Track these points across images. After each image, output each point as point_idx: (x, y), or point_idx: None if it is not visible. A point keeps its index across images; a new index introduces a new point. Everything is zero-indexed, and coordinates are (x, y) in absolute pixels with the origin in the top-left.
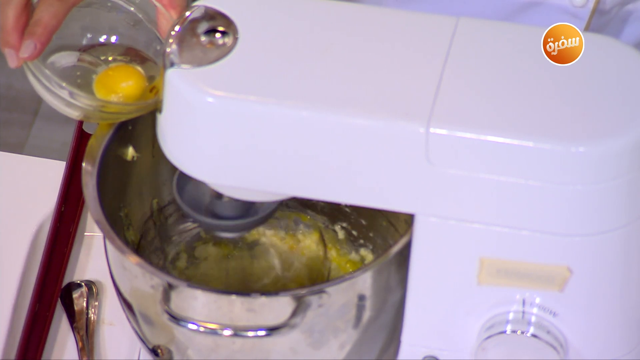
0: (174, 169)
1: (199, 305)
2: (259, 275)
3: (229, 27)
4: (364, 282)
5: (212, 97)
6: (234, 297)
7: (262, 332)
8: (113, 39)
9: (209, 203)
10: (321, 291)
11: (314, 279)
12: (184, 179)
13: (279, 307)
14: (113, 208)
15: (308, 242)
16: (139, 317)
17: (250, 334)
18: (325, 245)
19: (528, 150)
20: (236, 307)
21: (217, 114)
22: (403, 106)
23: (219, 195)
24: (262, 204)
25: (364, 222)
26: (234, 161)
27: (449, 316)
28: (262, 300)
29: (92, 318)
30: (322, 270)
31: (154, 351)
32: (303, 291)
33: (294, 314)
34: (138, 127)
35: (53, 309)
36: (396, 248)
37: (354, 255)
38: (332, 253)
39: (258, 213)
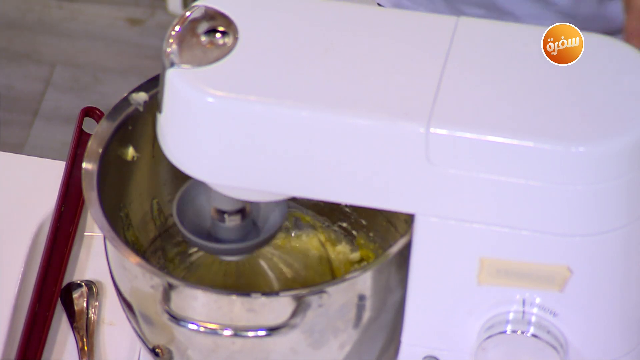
0: (174, 169)
1: (199, 305)
2: (259, 275)
3: (229, 27)
4: (364, 282)
5: (212, 97)
6: (234, 297)
7: (262, 332)
8: None
9: (210, 226)
10: (321, 291)
11: (314, 279)
12: (185, 204)
13: (279, 307)
14: (113, 208)
15: (308, 243)
16: (139, 317)
17: (250, 334)
18: (325, 246)
19: (528, 150)
20: (236, 307)
21: (217, 114)
22: (403, 106)
23: (220, 219)
24: (264, 223)
25: (364, 222)
26: (234, 161)
27: (449, 316)
28: (262, 300)
29: (92, 318)
30: (322, 271)
31: (154, 351)
32: (303, 291)
33: (294, 314)
34: (138, 127)
35: (53, 309)
36: (396, 248)
37: (354, 255)
38: (332, 253)
39: (260, 235)
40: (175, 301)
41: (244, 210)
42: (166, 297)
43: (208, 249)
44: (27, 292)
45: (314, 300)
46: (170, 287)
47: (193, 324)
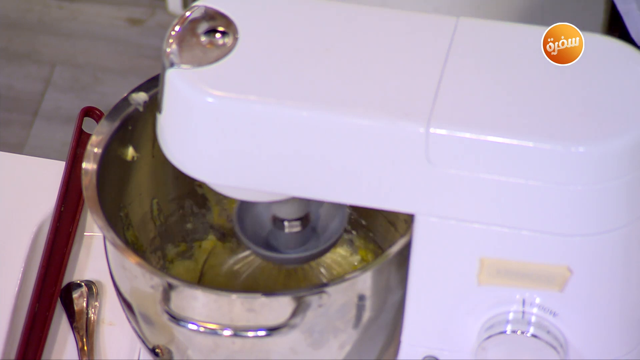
0: (174, 169)
1: (199, 305)
2: (259, 275)
3: (229, 27)
4: (364, 282)
5: (212, 97)
6: (234, 297)
7: (262, 332)
8: None
9: (269, 234)
10: (321, 291)
11: (313, 279)
12: (244, 211)
13: (279, 307)
14: (113, 208)
15: None
16: (139, 317)
17: (250, 334)
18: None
19: (528, 150)
20: (236, 307)
21: (217, 114)
22: (403, 106)
23: (279, 227)
24: (324, 231)
25: (364, 222)
26: (234, 161)
27: (449, 316)
28: (262, 300)
29: (92, 318)
30: (322, 271)
31: (154, 351)
32: (303, 291)
33: (294, 314)
34: (138, 127)
35: (53, 309)
36: (396, 248)
37: (353, 256)
38: (332, 253)
39: (320, 242)
40: (175, 301)
41: (304, 218)
42: (166, 297)
43: (268, 258)
44: (27, 292)
45: (314, 300)
46: (170, 287)
47: (193, 324)
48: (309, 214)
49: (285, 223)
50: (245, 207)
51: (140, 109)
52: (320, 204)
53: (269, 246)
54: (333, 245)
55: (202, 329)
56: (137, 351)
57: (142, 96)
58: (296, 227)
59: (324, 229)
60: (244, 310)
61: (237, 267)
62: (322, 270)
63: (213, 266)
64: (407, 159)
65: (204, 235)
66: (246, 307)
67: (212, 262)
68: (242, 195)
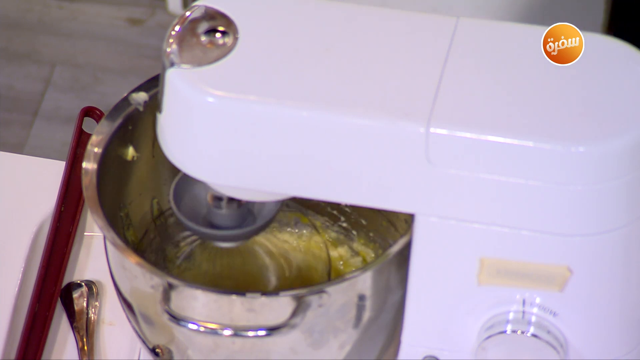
0: (174, 169)
1: (199, 305)
2: (259, 275)
3: (229, 27)
4: (364, 282)
5: (212, 97)
6: (234, 297)
7: (262, 332)
8: None
9: (207, 213)
10: (321, 291)
11: (314, 279)
12: (181, 189)
13: (279, 307)
14: (113, 208)
15: (308, 243)
16: (139, 317)
17: (250, 334)
18: (325, 246)
19: (528, 150)
20: (236, 307)
21: (217, 114)
22: (403, 106)
23: (216, 205)
24: (260, 211)
25: (364, 222)
26: (233, 161)
27: (449, 316)
28: (262, 300)
29: (92, 318)
30: (322, 271)
31: (154, 351)
32: (303, 291)
33: (294, 314)
34: (138, 127)
35: (53, 309)
36: (396, 248)
37: (353, 256)
38: (332, 253)
39: (256, 221)
40: (175, 301)
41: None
42: (166, 297)
43: (204, 235)
44: (27, 292)
45: (314, 300)
46: (170, 287)
47: (193, 324)
48: None
49: (222, 202)
50: (182, 186)
51: (140, 108)
52: None
53: (205, 225)
54: (269, 223)
55: (202, 329)
56: (137, 351)
57: (142, 96)
58: (232, 207)
59: (260, 210)
60: (244, 310)
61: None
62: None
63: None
64: (407, 159)
65: None
66: (246, 307)
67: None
68: (242, 195)
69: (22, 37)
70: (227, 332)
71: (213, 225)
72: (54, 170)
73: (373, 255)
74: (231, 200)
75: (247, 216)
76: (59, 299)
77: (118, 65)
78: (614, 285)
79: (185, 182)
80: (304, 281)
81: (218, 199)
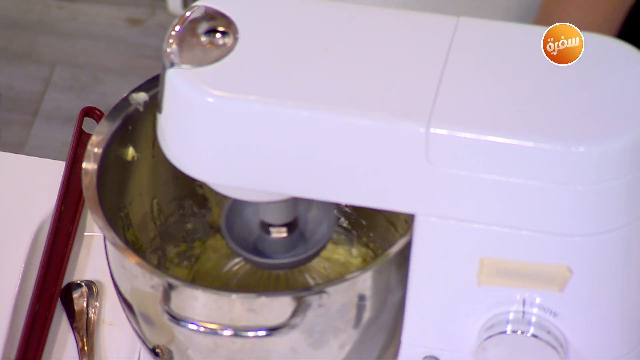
0: (174, 169)
1: (199, 305)
2: (259, 275)
3: (229, 27)
4: (364, 282)
5: (212, 97)
6: (234, 297)
7: (262, 332)
8: None
9: (257, 239)
10: (321, 291)
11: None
12: (232, 216)
13: (279, 307)
14: (113, 208)
15: None
16: (139, 317)
17: (250, 334)
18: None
19: (528, 150)
20: (236, 307)
21: (217, 114)
22: (403, 106)
23: (266, 232)
24: (312, 236)
25: (364, 222)
26: (234, 161)
27: (449, 316)
28: (262, 300)
29: (92, 318)
30: (322, 271)
31: (154, 351)
32: (303, 291)
33: (294, 314)
34: (138, 127)
35: (53, 309)
36: (396, 248)
37: (354, 256)
38: (332, 253)
39: (308, 247)
40: (175, 301)
41: (292, 223)
42: (166, 297)
43: (258, 264)
44: (27, 292)
45: (314, 300)
46: (170, 287)
47: (193, 324)
48: (297, 218)
49: (273, 228)
50: (233, 212)
51: (141, 109)
52: (308, 208)
53: (257, 251)
54: (321, 250)
55: (202, 329)
56: (137, 351)
57: (142, 96)
58: (283, 233)
59: (312, 234)
60: (244, 310)
61: (234, 268)
62: (308, 276)
63: (211, 267)
64: (407, 159)
65: (204, 236)
66: (246, 307)
67: (211, 263)
68: (242, 195)
69: (22, 37)
70: (227, 332)
71: (264, 252)
72: (54, 170)
73: (373, 255)
74: (281, 226)
75: (297, 241)
76: (59, 299)
77: (118, 65)
78: (614, 285)
79: (236, 209)
80: (303, 282)
81: (267, 225)
